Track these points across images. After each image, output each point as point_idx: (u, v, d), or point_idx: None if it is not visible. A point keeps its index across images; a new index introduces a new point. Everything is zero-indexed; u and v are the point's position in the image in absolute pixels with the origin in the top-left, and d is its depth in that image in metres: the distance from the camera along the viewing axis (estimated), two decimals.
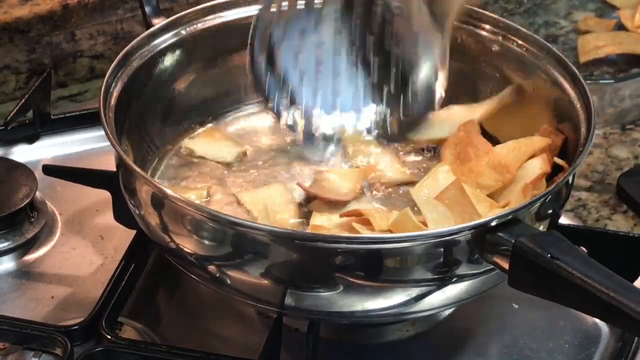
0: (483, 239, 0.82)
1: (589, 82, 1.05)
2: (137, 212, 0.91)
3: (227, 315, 0.98)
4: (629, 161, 1.18)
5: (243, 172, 1.04)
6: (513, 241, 0.80)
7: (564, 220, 1.05)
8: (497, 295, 0.97)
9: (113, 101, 0.96)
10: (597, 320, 0.97)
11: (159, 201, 0.87)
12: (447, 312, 0.98)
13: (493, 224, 0.82)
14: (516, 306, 0.99)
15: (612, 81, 1.22)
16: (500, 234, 0.81)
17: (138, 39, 1.02)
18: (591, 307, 0.77)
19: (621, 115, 1.23)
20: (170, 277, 1.00)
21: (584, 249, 0.99)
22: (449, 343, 0.96)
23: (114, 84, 0.97)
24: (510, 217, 0.82)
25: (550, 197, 0.87)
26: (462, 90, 1.08)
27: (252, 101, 1.10)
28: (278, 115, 1.04)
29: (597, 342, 0.96)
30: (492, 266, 0.83)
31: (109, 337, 0.92)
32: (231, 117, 1.10)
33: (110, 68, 0.97)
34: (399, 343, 0.96)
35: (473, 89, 1.09)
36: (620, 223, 1.10)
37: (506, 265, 0.81)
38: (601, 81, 1.22)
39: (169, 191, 0.86)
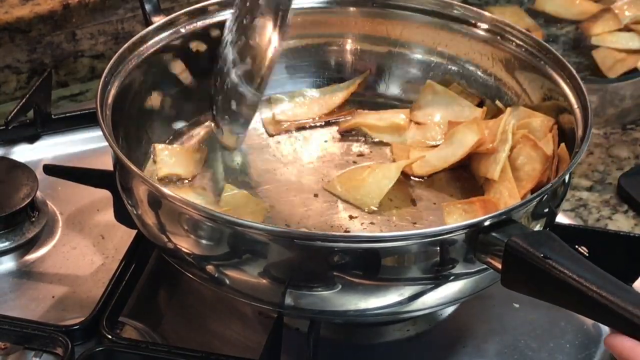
0: (476, 239, 0.82)
1: (589, 81, 1.05)
2: (135, 211, 0.91)
3: (227, 315, 0.98)
4: (629, 161, 1.18)
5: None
6: (505, 241, 0.80)
7: (564, 220, 1.05)
8: (497, 295, 0.97)
9: (110, 99, 0.96)
10: None
11: (156, 200, 0.87)
12: (448, 311, 0.98)
13: (486, 223, 0.82)
14: (517, 306, 0.99)
15: (613, 81, 1.22)
16: (493, 233, 0.81)
17: (135, 37, 1.02)
18: (583, 307, 0.77)
19: (622, 115, 1.23)
20: (171, 277, 1.00)
21: (584, 248, 0.99)
22: (450, 343, 0.96)
23: (111, 83, 0.97)
24: (503, 217, 0.82)
25: (546, 196, 0.87)
26: (459, 89, 1.09)
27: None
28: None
29: (597, 342, 0.96)
30: (486, 266, 0.83)
31: (109, 337, 0.92)
32: None
33: (107, 67, 0.97)
34: (399, 343, 0.96)
35: (471, 90, 1.09)
36: (621, 223, 1.10)
37: (499, 265, 0.80)
38: (602, 81, 1.22)
39: (165, 190, 0.85)
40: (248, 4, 0.99)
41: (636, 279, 0.96)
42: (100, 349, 0.91)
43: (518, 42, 1.04)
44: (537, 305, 0.96)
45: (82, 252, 1.04)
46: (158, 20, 1.05)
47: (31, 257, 1.04)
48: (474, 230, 0.82)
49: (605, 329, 0.97)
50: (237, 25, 1.01)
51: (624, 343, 0.74)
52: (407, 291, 0.85)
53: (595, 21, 1.30)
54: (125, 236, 1.02)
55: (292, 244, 0.82)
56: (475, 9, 1.07)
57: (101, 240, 1.05)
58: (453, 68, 1.09)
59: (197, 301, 0.99)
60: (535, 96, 1.03)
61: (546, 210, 0.89)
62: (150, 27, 1.04)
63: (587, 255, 0.99)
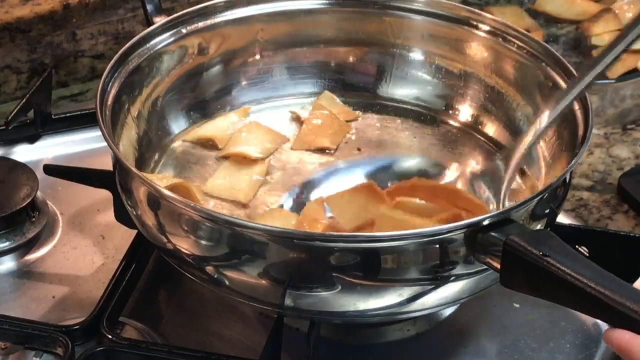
0: (475, 238, 0.82)
1: None
2: (134, 212, 0.91)
3: (228, 315, 0.98)
4: (629, 161, 1.18)
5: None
6: (504, 240, 0.79)
7: (565, 220, 1.05)
8: (498, 294, 0.97)
9: (110, 100, 0.96)
10: (599, 320, 0.97)
11: (155, 201, 0.87)
12: (448, 311, 0.98)
13: (485, 223, 0.81)
14: (517, 306, 0.99)
15: (613, 81, 1.22)
16: (492, 233, 0.81)
17: (136, 38, 1.02)
18: (582, 305, 0.77)
19: (622, 115, 1.23)
20: (171, 277, 1.00)
21: (585, 248, 0.99)
22: (450, 343, 0.96)
23: (111, 83, 0.97)
24: (502, 216, 0.82)
25: (546, 195, 0.87)
26: (460, 91, 1.09)
27: (249, 101, 1.11)
28: None
29: (598, 342, 0.96)
30: (486, 266, 0.83)
31: (110, 337, 0.92)
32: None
33: (108, 67, 0.97)
34: (399, 343, 0.96)
35: (472, 90, 1.09)
36: (621, 223, 1.10)
37: (498, 265, 0.80)
38: (602, 81, 1.22)
39: (165, 191, 0.85)
40: None
41: (636, 279, 0.96)
42: (101, 349, 0.91)
43: (519, 43, 1.04)
44: (537, 305, 0.97)
45: (83, 252, 1.04)
46: (159, 20, 1.05)
47: (31, 257, 1.04)
48: (473, 230, 0.82)
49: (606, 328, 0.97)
50: None
51: (623, 336, 0.74)
52: (407, 292, 0.84)
53: (595, 21, 1.30)
54: (125, 236, 1.02)
55: (292, 244, 0.82)
56: (476, 10, 1.07)
57: (101, 241, 1.06)
58: (454, 69, 1.09)
59: (197, 301, 0.99)
60: (534, 96, 1.04)
61: (547, 210, 0.89)
62: (152, 27, 1.04)
63: (587, 255, 0.99)
